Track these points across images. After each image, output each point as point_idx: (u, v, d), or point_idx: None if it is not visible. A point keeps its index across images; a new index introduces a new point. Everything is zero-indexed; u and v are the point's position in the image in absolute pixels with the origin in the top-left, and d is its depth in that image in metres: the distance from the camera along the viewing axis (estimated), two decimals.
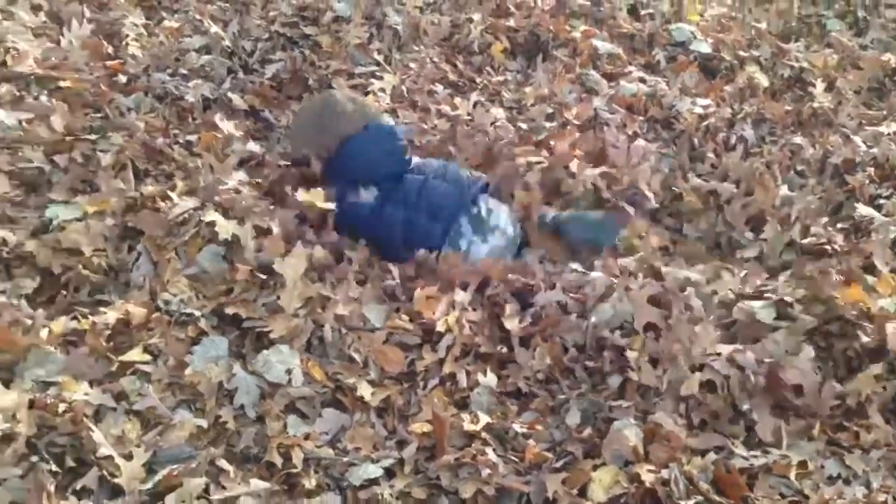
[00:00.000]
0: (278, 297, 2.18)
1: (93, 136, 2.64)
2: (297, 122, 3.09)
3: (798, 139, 3.27)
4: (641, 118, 3.37)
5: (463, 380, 2.12)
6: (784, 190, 2.97)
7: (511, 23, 3.89)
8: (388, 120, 3.02)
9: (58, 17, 3.39)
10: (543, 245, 2.78)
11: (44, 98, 2.81)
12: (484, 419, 1.98)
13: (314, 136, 2.86)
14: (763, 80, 3.68)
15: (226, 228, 2.29)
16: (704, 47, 3.83)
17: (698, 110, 3.39)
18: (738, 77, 3.69)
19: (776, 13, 4.26)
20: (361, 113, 2.90)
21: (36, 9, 3.37)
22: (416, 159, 2.87)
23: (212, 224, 2.31)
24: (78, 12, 3.40)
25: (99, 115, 2.86)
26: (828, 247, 2.66)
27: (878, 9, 4.11)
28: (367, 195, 2.75)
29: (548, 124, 3.15)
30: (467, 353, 2.20)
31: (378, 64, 3.49)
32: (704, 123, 3.33)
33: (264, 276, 2.23)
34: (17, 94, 2.78)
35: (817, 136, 3.32)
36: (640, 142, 3.19)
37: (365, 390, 2.04)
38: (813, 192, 3.02)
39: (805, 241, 2.69)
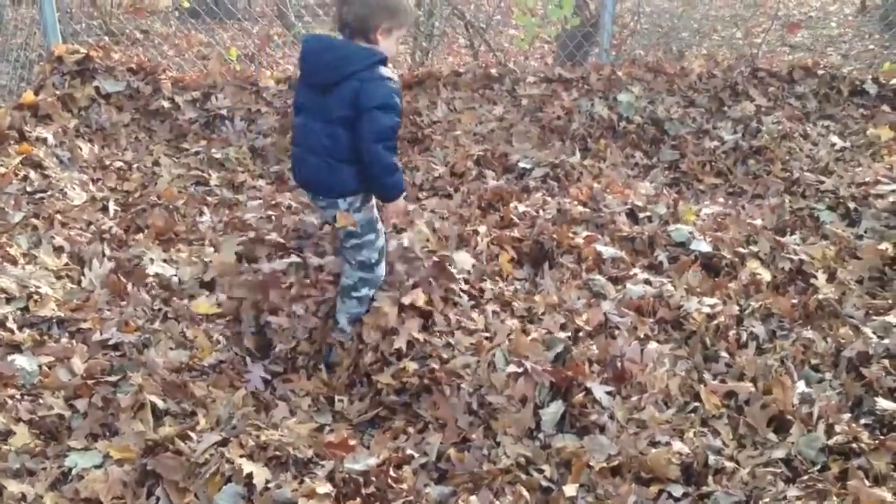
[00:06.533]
0: None
1: (112, 378, 2.67)
2: None
3: (808, 333, 3.28)
4: (651, 320, 3.41)
5: None
6: (802, 386, 2.96)
7: (515, 233, 4.01)
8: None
9: (79, 257, 3.49)
10: None
11: (65, 340, 2.87)
12: None
13: None
14: (766, 275, 3.74)
15: (248, 469, 2.27)
16: (704, 246, 3.92)
17: (706, 309, 3.42)
18: (740, 273, 3.76)
19: (769, 208, 4.39)
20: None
21: (58, 251, 3.47)
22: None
23: (231, 461, 2.30)
24: (98, 252, 3.51)
25: (118, 353, 2.90)
26: (854, 445, 2.63)
27: (867, 199, 4.23)
28: None
29: (562, 334, 3.19)
30: None
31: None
32: (714, 322, 3.36)
33: None
34: (39, 338, 2.84)
35: (826, 328, 3.33)
36: (653, 345, 3.21)
37: None
38: (831, 387, 3.00)
39: (831, 441, 2.66)
